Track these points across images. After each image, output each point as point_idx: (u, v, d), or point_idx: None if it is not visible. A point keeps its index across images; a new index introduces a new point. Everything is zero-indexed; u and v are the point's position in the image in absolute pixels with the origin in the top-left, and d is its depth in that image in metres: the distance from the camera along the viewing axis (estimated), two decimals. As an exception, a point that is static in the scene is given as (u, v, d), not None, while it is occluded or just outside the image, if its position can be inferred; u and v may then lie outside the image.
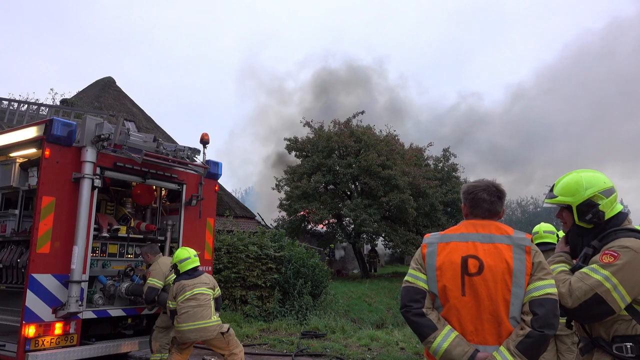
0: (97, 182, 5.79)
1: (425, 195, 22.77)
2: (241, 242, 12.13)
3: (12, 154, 6.33)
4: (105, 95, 23.27)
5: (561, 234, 4.76)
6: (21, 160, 6.32)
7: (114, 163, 6.13)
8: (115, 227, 6.55)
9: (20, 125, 6.82)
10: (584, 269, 2.36)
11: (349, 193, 23.63)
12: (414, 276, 2.32)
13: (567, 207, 2.57)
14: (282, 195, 23.51)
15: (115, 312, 6.24)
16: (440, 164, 28.70)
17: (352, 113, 24.31)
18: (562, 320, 2.50)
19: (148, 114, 24.83)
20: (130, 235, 6.80)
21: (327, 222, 23.01)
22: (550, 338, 2.13)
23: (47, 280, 5.42)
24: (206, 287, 5.58)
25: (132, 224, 6.98)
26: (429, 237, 2.39)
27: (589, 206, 2.47)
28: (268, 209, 32.06)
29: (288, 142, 24.13)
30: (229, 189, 29.22)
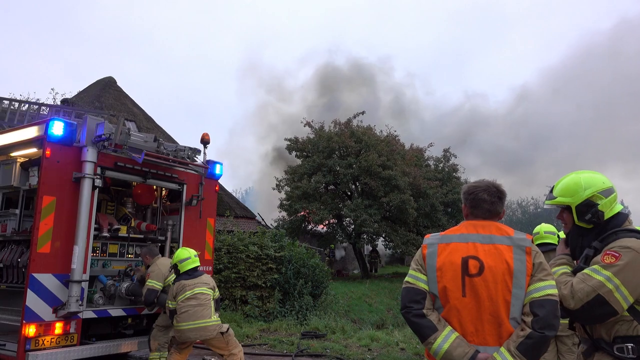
0: (98, 182, 5.79)
1: (425, 195, 22.78)
2: (241, 242, 12.13)
3: (13, 154, 6.33)
4: (105, 95, 23.27)
5: (562, 234, 4.76)
6: (22, 159, 6.32)
7: (115, 163, 6.13)
8: (116, 227, 6.55)
9: (21, 125, 6.82)
10: (586, 270, 2.36)
11: (349, 193, 23.63)
12: (415, 277, 2.31)
13: (566, 208, 2.58)
14: (283, 195, 23.53)
15: (116, 311, 6.25)
16: (441, 165, 28.70)
17: (353, 113, 24.34)
18: (564, 321, 2.50)
19: (149, 114, 24.84)
20: (131, 235, 6.81)
21: (327, 222, 23.02)
22: (551, 339, 2.13)
23: (47, 280, 5.43)
24: (206, 287, 5.59)
25: (133, 224, 6.98)
26: (430, 238, 2.39)
27: (588, 206, 2.48)
28: (268, 207, 32.09)
29: (289, 142, 24.14)
30: (229, 189, 29.24)
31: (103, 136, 5.77)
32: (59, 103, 20.08)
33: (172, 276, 5.87)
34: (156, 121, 24.72)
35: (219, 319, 5.62)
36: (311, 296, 12.11)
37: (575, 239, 2.60)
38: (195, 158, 7.19)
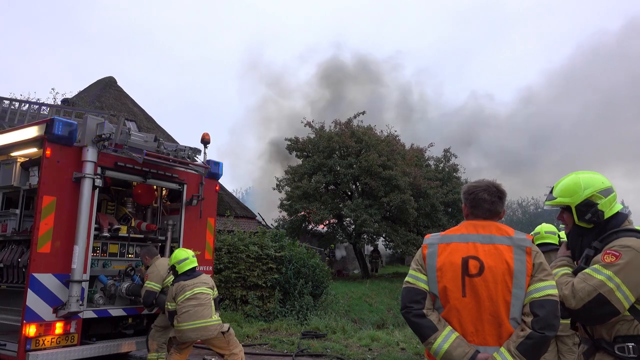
0: (98, 182, 5.80)
1: (426, 195, 22.78)
2: (242, 242, 12.13)
3: (13, 154, 6.34)
4: (106, 94, 23.28)
5: (562, 234, 4.77)
6: (22, 159, 6.32)
7: (115, 163, 6.13)
8: (116, 226, 6.55)
9: (21, 125, 6.82)
10: (587, 270, 2.37)
11: (349, 193, 23.63)
12: (415, 277, 2.31)
13: (566, 208, 2.59)
14: (283, 195, 23.53)
15: (116, 311, 6.25)
16: (441, 165, 28.69)
17: (354, 113, 24.34)
18: (564, 321, 2.50)
19: (149, 114, 24.85)
20: (131, 235, 6.81)
21: (327, 222, 23.02)
22: (551, 339, 2.13)
23: (47, 280, 5.43)
24: (206, 287, 5.58)
25: (133, 224, 6.99)
26: (430, 238, 2.39)
27: (587, 206, 2.49)
28: (268, 206, 32.07)
29: (289, 142, 24.14)
30: (229, 189, 29.23)
31: (103, 136, 5.77)
32: (59, 103, 20.07)
33: (171, 277, 5.86)
34: (156, 121, 24.74)
35: (219, 318, 5.62)
36: (311, 296, 12.11)
37: (575, 239, 2.61)
38: (196, 158, 7.19)
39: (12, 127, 7.59)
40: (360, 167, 21.55)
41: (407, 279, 2.35)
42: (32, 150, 6.06)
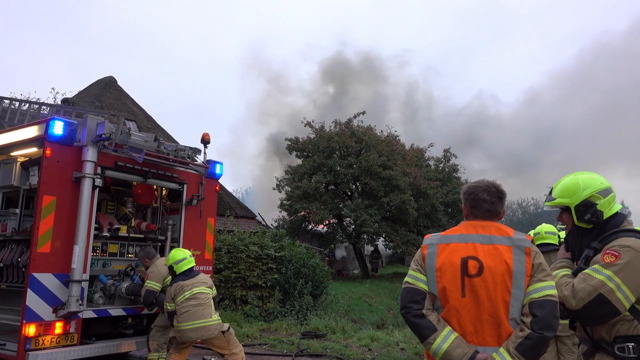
0: (98, 182, 5.80)
1: (426, 195, 22.79)
2: (242, 242, 12.13)
3: (13, 153, 6.34)
4: (106, 94, 23.28)
5: (562, 234, 4.77)
6: (22, 159, 6.32)
7: (115, 162, 6.13)
8: (116, 226, 6.55)
9: (21, 125, 6.82)
10: (587, 270, 2.37)
11: (349, 193, 23.64)
12: (414, 277, 2.31)
13: (566, 209, 2.60)
14: (283, 195, 23.53)
15: (116, 311, 6.25)
16: (441, 165, 28.70)
17: (354, 113, 24.36)
18: (564, 321, 2.50)
19: (149, 114, 24.84)
20: (131, 235, 6.81)
21: (327, 222, 23.02)
22: (550, 340, 2.13)
23: (47, 280, 5.43)
24: (205, 287, 5.57)
25: (133, 224, 6.99)
26: (429, 238, 2.39)
27: (586, 206, 2.50)
28: (268, 205, 32.06)
29: (289, 143, 24.15)
30: (229, 188, 29.23)
31: (103, 136, 5.77)
32: (59, 102, 20.06)
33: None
34: (157, 121, 24.73)
35: (219, 318, 5.61)
36: (311, 296, 12.11)
37: (574, 240, 2.62)
38: (196, 158, 7.19)
39: (12, 126, 7.59)
40: (360, 167, 21.56)
41: (406, 279, 2.35)
42: (32, 149, 6.06)
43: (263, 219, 26.00)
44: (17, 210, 6.27)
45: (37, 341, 5.27)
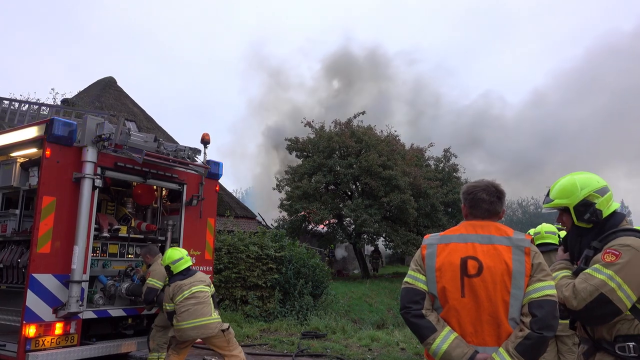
0: (98, 182, 5.79)
1: (426, 195, 22.78)
2: (242, 242, 12.13)
3: (13, 154, 6.34)
4: (106, 95, 23.29)
5: (563, 234, 4.78)
6: (22, 160, 6.32)
7: (115, 163, 6.13)
8: (116, 227, 6.55)
9: (21, 125, 6.83)
10: (587, 270, 2.37)
11: (349, 193, 23.64)
12: (414, 277, 2.31)
13: (565, 210, 2.60)
14: (283, 195, 23.54)
15: (116, 312, 6.25)
16: (441, 165, 28.70)
17: (354, 113, 24.36)
18: (564, 321, 2.50)
19: (149, 114, 24.86)
20: (131, 235, 6.81)
21: (327, 222, 23.02)
22: (550, 340, 2.13)
23: (47, 280, 5.43)
24: (203, 285, 5.56)
25: (133, 224, 6.99)
26: (429, 238, 2.39)
27: (585, 206, 2.51)
28: (268, 205, 32.05)
29: (289, 143, 24.15)
30: (229, 189, 29.25)
31: (103, 136, 5.77)
32: (59, 103, 20.07)
33: None
34: (157, 121, 24.75)
35: (219, 316, 5.61)
36: (311, 296, 12.11)
37: (574, 240, 2.62)
38: (196, 158, 7.19)
39: (12, 127, 7.59)
40: (360, 167, 21.56)
41: (406, 279, 2.35)
42: (32, 150, 6.07)
43: (263, 219, 26.01)
44: (17, 211, 6.27)
45: (37, 342, 5.27)
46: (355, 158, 21.98)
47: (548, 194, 2.70)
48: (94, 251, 6.22)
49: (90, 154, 5.74)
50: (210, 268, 7.44)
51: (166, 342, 5.98)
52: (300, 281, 11.95)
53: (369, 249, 27.91)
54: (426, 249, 2.33)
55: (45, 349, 5.31)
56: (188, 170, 7.07)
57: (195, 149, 7.13)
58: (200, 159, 7.19)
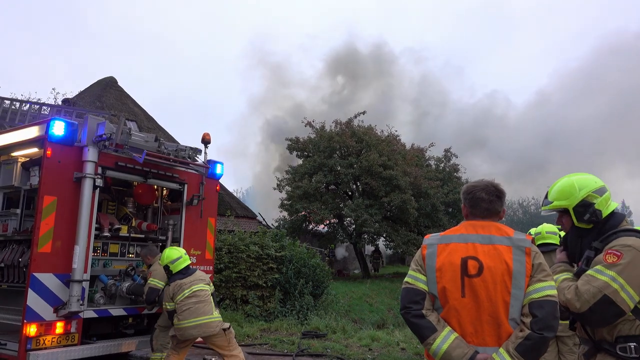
0: (99, 182, 5.80)
1: (426, 195, 22.78)
2: (242, 242, 12.13)
3: (14, 154, 6.35)
4: (107, 95, 23.28)
5: (563, 234, 4.78)
6: (23, 159, 6.33)
7: (116, 163, 6.14)
8: (117, 226, 6.56)
9: (22, 125, 6.83)
10: (589, 272, 2.37)
11: (350, 193, 23.64)
12: (414, 277, 2.31)
13: (564, 212, 2.60)
14: (283, 195, 23.55)
15: (117, 311, 6.25)
16: (442, 165, 28.70)
17: (355, 113, 24.35)
18: (565, 322, 2.50)
19: (150, 114, 24.85)
20: (132, 235, 6.82)
21: (328, 222, 23.02)
22: (550, 340, 2.13)
23: (48, 280, 5.43)
24: (203, 284, 5.57)
25: (134, 224, 6.99)
26: (429, 238, 2.39)
27: (585, 206, 2.51)
28: (268, 205, 32.06)
29: (290, 142, 24.16)
30: (230, 188, 29.22)
31: (104, 136, 5.77)
32: (60, 103, 20.07)
33: None
34: (157, 121, 24.74)
35: (219, 315, 5.62)
36: (312, 296, 12.12)
37: (574, 242, 2.62)
38: (196, 158, 7.20)
39: (13, 127, 7.60)
40: (361, 167, 21.56)
41: (406, 279, 2.35)
42: (33, 150, 6.07)
43: (264, 219, 26.01)
44: (18, 211, 6.28)
45: (38, 341, 5.27)
46: (356, 158, 21.99)
47: (546, 197, 2.70)
48: (94, 250, 6.23)
49: (91, 154, 5.75)
50: (211, 268, 7.45)
51: (169, 342, 5.98)
52: (301, 281, 11.95)
53: (369, 248, 27.92)
54: (426, 249, 2.33)
55: (46, 348, 5.32)
56: (189, 170, 7.07)
57: (195, 148, 7.14)
58: (200, 158, 7.19)
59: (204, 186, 7.20)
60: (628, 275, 2.26)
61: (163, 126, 24.70)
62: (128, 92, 24.83)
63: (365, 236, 23.37)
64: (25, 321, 5.19)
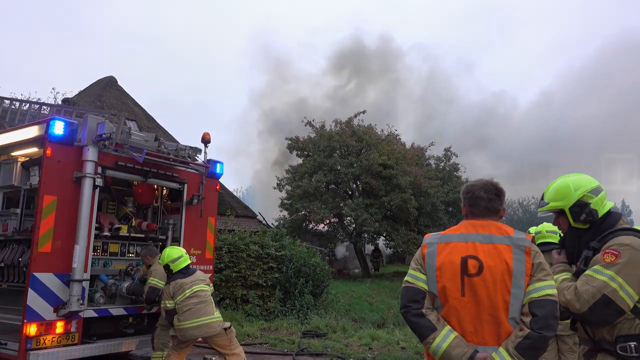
0: (99, 181, 5.80)
1: (426, 194, 22.77)
2: (242, 241, 12.14)
3: (14, 153, 6.35)
4: (106, 94, 23.27)
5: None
6: (23, 159, 6.33)
7: (116, 162, 6.14)
8: (117, 226, 6.56)
9: (21, 125, 6.83)
10: (588, 272, 2.37)
11: (350, 192, 23.63)
12: (414, 276, 2.32)
13: (560, 212, 2.61)
14: (284, 194, 23.55)
15: (117, 311, 6.26)
16: (442, 164, 28.70)
17: (354, 112, 24.35)
18: (565, 321, 2.50)
19: (150, 113, 24.84)
20: (132, 235, 6.82)
21: (328, 221, 23.02)
22: (550, 339, 2.13)
23: (48, 279, 5.44)
24: (204, 284, 5.57)
25: (134, 223, 6.99)
26: (429, 237, 2.39)
27: (581, 206, 2.52)
28: (268, 204, 32.04)
29: (289, 142, 24.16)
30: (230, 188, 29.22)
31: (104, 135, 5.77)
32: (59, 102, 20.07)
33: None
34: (157, 120, 24.73)
35: (220, 315, 5.62)
36: (312, 295, 12.12)
37: (572, 242, 2.62)
38: (196, 157, 7.20)
39: (13, 126, 7.60)
40: (361, 166, 21.56)
41: (406, 278, 2.35)
42: (33, 149, 6.07)
43: (264, 218, 26.00)
44: (18, 210, 6.28)
45: (38, 340, 5.28)
46: (356, 157, 21.99)
47: (542, 198, 2.71)
48: (94, 250, 6.23)
49: (91, 153, 5.75)
50: (211, 267, 7.45)
51: (170, 341, 5.98)
52: (301, 280, 11.95)
53: (369, 248, 27.92)
54: (426, 248, 2.34)
55: (46, 348, 5.32)
56: (189, 170, 7.07)
57: (195, 148, 7.14)
58: (200, 158, 7.20)
59: (203, 185, 7.20)
60: (627, 274, 2.26)
61: (163, 126, 24.69)
62: (128, 92, 24.83)
63: (365, 235, 23.37)
64: (25, 321, 5.19)
